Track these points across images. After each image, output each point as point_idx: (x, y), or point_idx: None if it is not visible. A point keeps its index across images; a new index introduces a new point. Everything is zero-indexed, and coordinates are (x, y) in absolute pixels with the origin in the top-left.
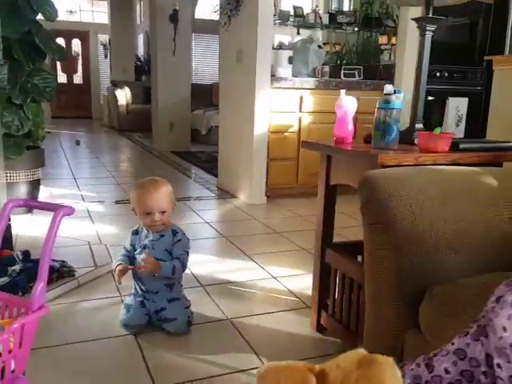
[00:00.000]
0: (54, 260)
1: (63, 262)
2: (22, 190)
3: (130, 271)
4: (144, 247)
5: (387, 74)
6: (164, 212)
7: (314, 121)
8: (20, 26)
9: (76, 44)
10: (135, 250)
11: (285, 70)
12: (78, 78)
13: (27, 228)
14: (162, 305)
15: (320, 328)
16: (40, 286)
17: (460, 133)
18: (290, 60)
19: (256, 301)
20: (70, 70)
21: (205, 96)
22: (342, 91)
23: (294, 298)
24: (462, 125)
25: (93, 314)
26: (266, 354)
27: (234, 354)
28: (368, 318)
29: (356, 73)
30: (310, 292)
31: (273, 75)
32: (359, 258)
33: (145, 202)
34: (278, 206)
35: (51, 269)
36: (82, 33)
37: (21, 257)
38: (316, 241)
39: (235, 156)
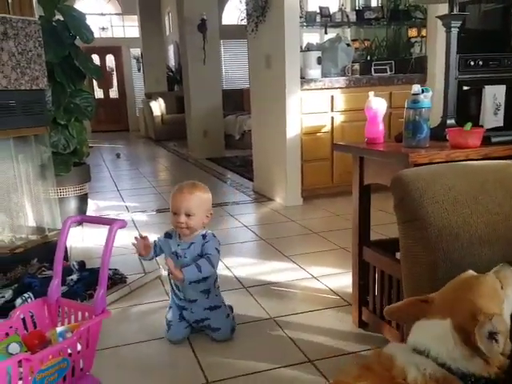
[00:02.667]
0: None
1: (115, 270)
2: (72, 205)
3: (168, 280)
4: (176, 256)
5: (419, 66)
6: (190, 216)
7: (347, 119)
8: (60, 51)
9: (110, 59)
10: (161, 251)
11: (314, 71)
12: (113, 93)
13: (79, 240)
14: (202, 315)
15: (362, 324)
16: (101, 292)
17: (499, 121)
18: (319, 60)
19: (298, 300)
20: (105, 86)
21: (236, 101)
22: (371, 93)
23: (334, 296)
24: (501, 113)
25: (145, 317)
26: (310, 350)
27: (279, 350)
28: None
29: (387, 68)
30: (350, 290)
31: (302, 77)
32: (397, 255)
33: (174, 200)
34: (315, 206)
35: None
36: (115, 48)
37: (77, 267)
38: (353, 240)
39: (269, 159)
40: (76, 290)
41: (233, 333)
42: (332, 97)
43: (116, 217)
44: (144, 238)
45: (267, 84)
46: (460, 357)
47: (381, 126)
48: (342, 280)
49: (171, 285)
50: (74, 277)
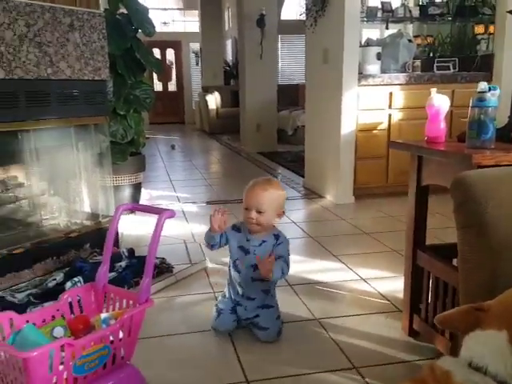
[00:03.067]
0: (155, 257)
1: (163, 259)
2: (126, 193)
3: (229, 273)
4: (245, 252)
5: (485, 64)
6: (261, 212)
7: (405, 117)
8: (123, 43)
9: (170, 53)
10: (226, 243)
11: (373, 67)
12: (172, 86)
13: (131, 227)
14: (254, 313)
15: (412, 332)
16: (146, 281)
17: None
18: (379, 56)
19: (344, 302)
20: (165, 79)
21: (291, 96)
22: (433, 90)
23: (384, 300)
24: None
25: (189, 308)
26: (355, 355)
27: (322, 353)
28: None
29: (450, 65)
30: (401, 295)
31: (360, 73)
32: (455, 262)
33: (246, 196)
34: (367, 205)
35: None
36: (175, 42)
37: (126, 254)
38: (407, 243)
39: (322, 155)
40: (124, 277)
41: (279, 335)
42: (391, 93)
43: (167, 206)
44: (223, 213)
45: (324, 79)
46: None
47: (442, 125)
48: (393, 284)
49: (231, 278)
50: (123, 263)
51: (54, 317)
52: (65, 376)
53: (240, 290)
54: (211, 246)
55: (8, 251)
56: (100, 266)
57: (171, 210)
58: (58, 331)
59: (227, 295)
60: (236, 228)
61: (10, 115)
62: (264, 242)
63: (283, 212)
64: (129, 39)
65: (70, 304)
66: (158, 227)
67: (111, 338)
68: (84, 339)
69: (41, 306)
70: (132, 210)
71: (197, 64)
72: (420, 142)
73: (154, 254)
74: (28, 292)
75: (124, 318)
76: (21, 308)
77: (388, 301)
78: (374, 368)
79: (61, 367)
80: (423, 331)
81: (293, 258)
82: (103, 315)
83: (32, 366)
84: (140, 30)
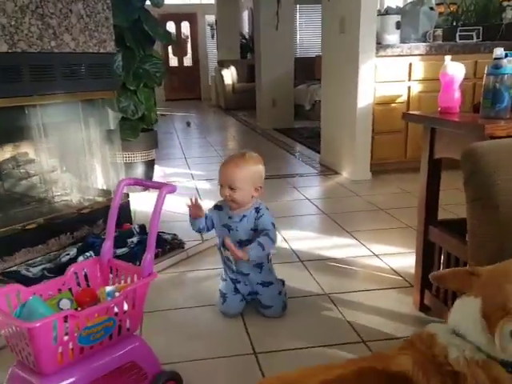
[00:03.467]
0: (167, 233)
1: (174, 235)
2: (139, 170)
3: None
4: (228, 229)
5: (510, 33)
6: (234, 189)
7: (426, 89)
8: (130, 14)
9: (185, 26)
10: (213, 225)
11: (392, 37)
12: (187, 61)
13: (144, 204)
14: (255, 288)
15: (423, 307)
16: (149, 256)
17: None
18: (398, 25)
19: (356, 278)
20: (180, 53)
21: (309, 70)
22: (447, 57)
23: (396, 276)
24: None
25: (200, 283)
26: (364, 329)
27: (330, 327)
28: None
29: (474, 34)
30: (413, 271)
31: (378, 43)
32: (467, 237)
33: (219, 171)
34: (384, 182)
35: (164, 241)
36: (190, 15)
37: (138, 230)
38: (419, 218)
39: (338, 130)
40: (136, 252)
41: (284, 310)
42: (410, 64)
43: (180, 184)
44: (196, 201)
45: (340, 50)
46: (486, 343)
47: (456, 94)
48: (406, 260)
49: (222, 257)
50: (135, 239)
51: (60, 290)
52: (70, 346)
53: (233, 267)
54: (199, 231)
55: (22, 227)
56: (104, 241)
57: (172, 184)
58: (65, 303)
59: (224, 276)
60: (218, 207)
61: (14, 90)
62: (244, 216)
63: (260, 187)
64: (136, 10)
65: (77, 277)
66: (159, 202)
67: (116, 310)
68: (87, 310)
69: None
70: (146, 188)
71: (212, 37)
72: (433, 113)
73: (156, 228)
74: (42, 266)
75: (127, 290)
76: (35, 282)
77: (400, 276)
78: (383, 342)
79: (66, 337)
80: (434, 306)
81: (305, 234)
82: (108, 288)
83: (36, 336)
84: (148, 1)
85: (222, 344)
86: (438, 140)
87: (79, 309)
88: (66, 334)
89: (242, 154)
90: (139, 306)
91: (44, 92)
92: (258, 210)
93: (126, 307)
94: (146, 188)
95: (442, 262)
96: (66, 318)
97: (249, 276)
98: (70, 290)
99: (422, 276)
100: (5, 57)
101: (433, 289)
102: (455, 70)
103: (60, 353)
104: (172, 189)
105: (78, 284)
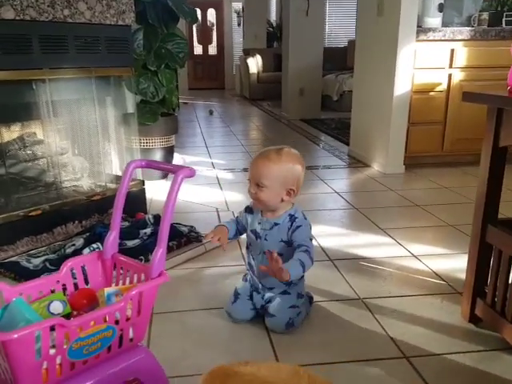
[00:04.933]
0: (183, 225)
1: (192, 227)
2: (158, 156)
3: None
4: (255, 236)
5: None
6: (261, 187)
7: (468, 78)
8: None
9: (211, 14)
10: (245, 228)
11: (433, 20)
12: (212, 49)
13: (161, 193)
14: (268, 298)
15: (474, 318)
16: (159, 252)
17: None
18: (441, 8)
19: (393, 281)
20: (205, 41)
21: (337, 60)
22: None
23: (439, 280)
24: None
25: (218, 281)
26: (405, 342)
27: (365, 338)
28: None
29: None
30: (458, 275)
31: (419, 26)
32: None
33: (250, 164)
34: (419, 176)
35: (180, 234)
36: (217, 2)
37: (152, 220)
38: (475, 216)
39: (370, 121)
40: (147, 245)
41: (288, 328)
42: (452, 50)
43: (200, 173)
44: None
45: (377, 34)
46: None
47: None
48: (449, 263)
49: (249, 261)
50: (148, 230)
51: (53, 291)
52: (58, 361)
53: (255, 279)
54: (229, 239)
55: (25, 213)
56: (108, 233)
57: (190, 168)
58: (56, 306)
59: (248, 278)
60: (249, 209)
61: (22, 62)
62: (276, 225)
63: (293, 191)
64: None
65: (74, 276)
66: (174, 187)
67: (117, 317)
68: (80, 319)
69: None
70: (164, 175)
71: (238, 25)
72: (501, 92)
73: (170, 219)
74: (44, 258)
75: (131, 294)
76: (35, 275)
77: (444, 281)
78: (427, 358)
79: (53, 351)
80: (487, 318)
81: (334, 230)
82: (108, 290)
83: (13, 350)
84: None
85: (242, 354)
86: (507, 124)
87: (75, 313)
88: (53, 346)
89: (280, 148)
90: (146, 313)
91: (55, 66)
92: (292, 218)
93: (129, 313)
94: (165, 175)
95: (501, 267)
96: (53, 327)
97: (273, 290)
98: (64, 289)
99: (475, 282)
100: (12, 25)
101: (488, 297)
102: None
103: (45, 369)
104: (190, 173)
105: (76, 284)
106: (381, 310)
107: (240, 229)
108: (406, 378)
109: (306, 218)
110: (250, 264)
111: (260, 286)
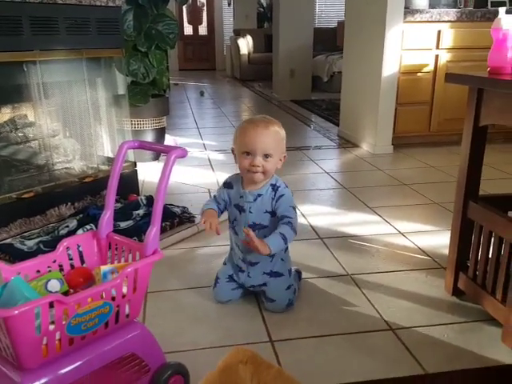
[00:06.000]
0: (176, 206)
1: (184, 208)
2: (149, 138)
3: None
4: (239, 210)
5: None
6: (268, 157)
7: (454, 59)
8: None
9: None
10: (226, 205)
11: (421, 1)
12: (203, 30)
13: (153, 175)
14: (260, 280)
15: (456, 291)
16: (153, 230)
17: None
18: None
19: (380, 257)
20: (195, 22)
21: (328, 41)
22: (501, 9)
23: (424, 256)
24: None
25: (211, 260)
26: (391, 315)
27: (354, 312)
28: None
29: (507, 0)
30: (443, 251)
31: (406, 7)
32: (511, 214)
33: (247, 137)
34: (406, 155)
35: (173, 214)
36: None
37: (145, 201)
38: (457, 192)
39: (359, 101)
40: (141, 226)
41: (289, 307)
42: (439, 32)
43: (192, 154)
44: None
45: (365, 15)
46: None
47: (510, 53)
48: (435, 239)
49: (231, 240)
50: (141, 212)
51: (50, 268)
52: (57, 337)
53: (241, 255)
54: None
55: (18, 195)
56: (103, 213)
57: (182, 148)
58: (53, 285)
59: (227, 260)
60: (228, 184)
61: (12, 43)
62: (259, 196)
63: (284, 157)
64: None
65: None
66: (167, 167)
67: (113, 294)
68: (77, 295)
69: None
70: (156, 157)
71: (229, 5)
72: (482, 74)
73: (163, 198)
74: (38, 239)
75: (127, 271)
76: (29, 256)
77: (429, 257)
78: (413, 330)
79: (52, 327)
80: (470, 290)
81: (324, 209)
82: (104, 268)
83: (15, 326)
84: None
85: (235, 330)
86: (487, 105)
87: (71, 291)
88: (53, 322)
89: (265, 116)
90: (141, 289)
91: (45, 47)
92: (275, 187)
93: (125, 290)
94: (157, 157)
95: (481, 242)
96: (51, 304)
97: (256, 265)
98: (61, 268)
99: (458, 257)
100: (1, 6)
101: (469, 271)
102: (511, 23)
103: (45, 345)
104: (182, 153)
105: (71, 263)
106: (368, 285)
107: (221, 208)
108: (391, 349)
109: (287, 187)
110: (234, 241)
111: (243, 263)
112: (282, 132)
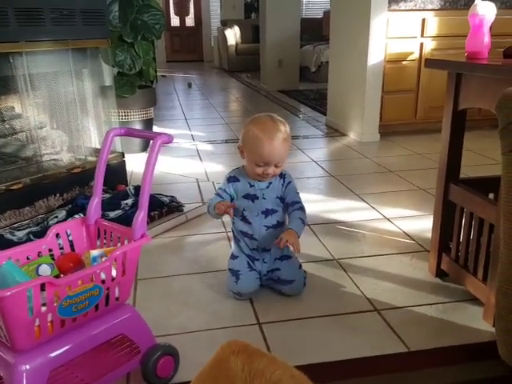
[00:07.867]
0: (164, 195)
1: (172, 197)
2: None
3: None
4: (251, 199)
5: None
6: (279, 163)
7: (439, 47)
8: None
9: None
10: (232, 200)
11: None
12: (190, 21)
13: (141, 165)
14: (274, 265)
15: (440, 273)
16: (141, 215)
17: None
18: None
19: (366, 242)
20: (182, 13)
21: (315, 30)
22: None
23: (409, 240)
24: None
25: (200, 248)
26: (376, 297)
27: (340, 295)
28: (502, 264)
29: None
30: (427, 234)
31: None
32: (491, 196)
33: (264, 151)
34: (393, 143)
35: (162, 204)
36: None
37: (133, 191)
38: (439, 175)
39: (346, 90)
40: (130, 215)
41: (304, 286)
42: (424, 20)
43: (180, 145)
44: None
45: (350, 4)
46: None
47: (486, 38)
48: (419, 223)
49: (240, 233)
50: (129, 201)
51: (40, 254)
52: (49, 318)
53: (253, 244)
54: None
55: (6, 187)
56: (91, 199)
57: (168, 134)
58: (44, 269)
59: (237, 253)
60: (233, 178)
61: None
62: (270, 183)
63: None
64: None
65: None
66: (153, 153)
67: (103, 277)
68: (68, 278)
69: None
70: (145, 148)
71: None
72: (460, 59)
73: (149, 184)
74: (28, 230)
75: (116, 254)
76: None
77: (414, 240)
78: (397, 311)
79: (44, 309)
80: (452, 271)
81: (312, 197)
82: (93, 252)
83: (8, 307)
84: None
85: (223, 314)
86: (465, 89)
87: (62, 276)
88: (44, 304)
89: (272, 119)
90: (130, 272)
91: (31, 38)
92: (282, 175)
93: (114, 273)
94: (145, 148)
95: (463, 223)
96: (43, 286)
97: (270, 251)
98: (51, 254)
99: (440, 239)
100: None
101: (451, 253)
102: (486, 10)
103: (37, 326)
104: (168, 139)
105: (61, 248)
106: (354, 269)
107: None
108: (376, 329)
109: (290, 174)
110: (244, 232)
111: (256, 251)
112: (288, 130)
